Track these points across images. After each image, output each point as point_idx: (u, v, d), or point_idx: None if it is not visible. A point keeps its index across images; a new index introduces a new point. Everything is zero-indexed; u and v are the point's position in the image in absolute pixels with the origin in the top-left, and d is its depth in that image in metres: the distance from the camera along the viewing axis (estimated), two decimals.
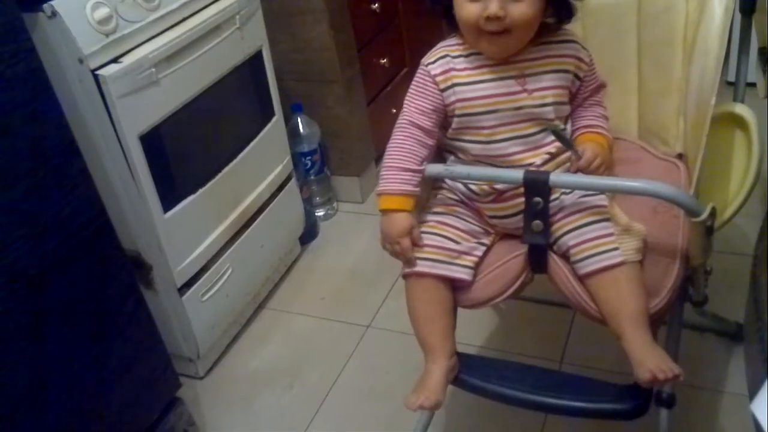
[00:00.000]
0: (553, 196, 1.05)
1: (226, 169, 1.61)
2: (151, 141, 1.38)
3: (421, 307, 1.09)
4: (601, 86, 1.17)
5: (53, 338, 1.11)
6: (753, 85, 1.34)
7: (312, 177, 2.06)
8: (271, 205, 1.78)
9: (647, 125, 1.30)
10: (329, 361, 1.63)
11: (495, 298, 1.08)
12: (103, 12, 1.26)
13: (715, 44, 1.11)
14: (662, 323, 1.08)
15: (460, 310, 1.16)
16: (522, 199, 1.02)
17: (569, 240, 1.04)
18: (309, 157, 2.03)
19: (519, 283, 1.08)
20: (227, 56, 1.57)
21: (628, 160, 1.22)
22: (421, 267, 1.07)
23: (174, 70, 1.40)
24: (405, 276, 1.10)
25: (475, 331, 1.61)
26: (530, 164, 1.08)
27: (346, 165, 2.14)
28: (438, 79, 1.09)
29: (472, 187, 1.11)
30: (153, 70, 1.34)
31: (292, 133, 1.96)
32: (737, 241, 1.68)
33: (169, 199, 1.45)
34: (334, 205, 2.17)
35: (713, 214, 0.95)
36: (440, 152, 1.18)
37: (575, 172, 1.09)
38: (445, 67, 1.10)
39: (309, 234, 2.03)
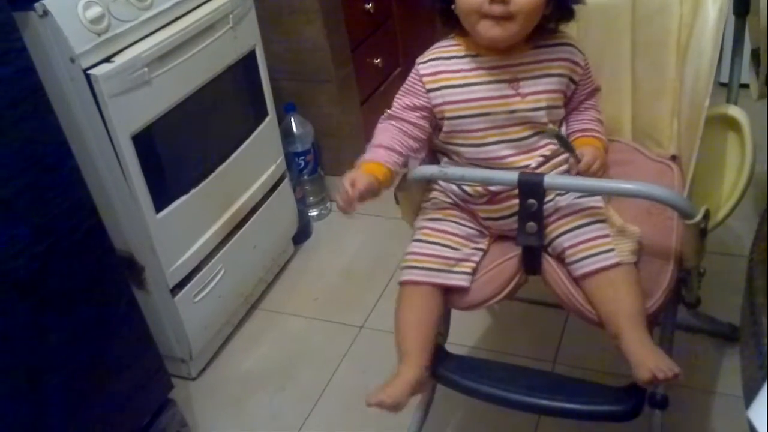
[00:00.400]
0: (547, 198, 1.05)
1: (219, 169, 1.60)
2: (144, 141, 1.37)
3: (410, 312, 1.08)
4: (597, 90, 1.17)
5: (45, 340, 1.10)
6: (746, 86, 1.35)
7: (305, 177, 2.05)
8: (264, 206, 1.78)
9: (641, 126, 1.30)
10: (322, 361, 1.63)
11: (490, 300, 1.08)
12: (95, 11, 1.25)
13: (708, 46, 1.11)
14: (656, 324, 1.08)
15: (453, 311, 1.16)
16: (516, 201, 1.02)
17: (565, 241, 1.04)
18: (302, 157, 2.02)
19: (513, 285, 1.08)
20: (220, 56, 1.56)
21: (622, 161, 1.22)
22: (419, 276, 1.07)
23: (167, 70, 1.39)
24: (401, 283, 1.10)
25: (468, 332, 1.60)
26: (525, 167, 1.08)
27: (340, 165, 2.13)
28: (426, 79, 1.09)
29: (466, 188, 1.11)
30: (145, 69, 1.33)
31: (286, 133, 1.95)
32: (730, 243, 1.68)
33: (161, 200, 1.44)
34: (328, 205, 2.16)
35: (707, 216, 0.95)
36: (434, 154, 1.18)
37: (575, 175, 1.09)
38: (437, 69, 1.09)
39: (302, 234, 2.02)
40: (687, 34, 1.19)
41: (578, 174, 1.08)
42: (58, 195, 1.10)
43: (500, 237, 1.14)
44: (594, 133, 1.14)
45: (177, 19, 1.43)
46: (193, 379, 1.64)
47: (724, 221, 1.08)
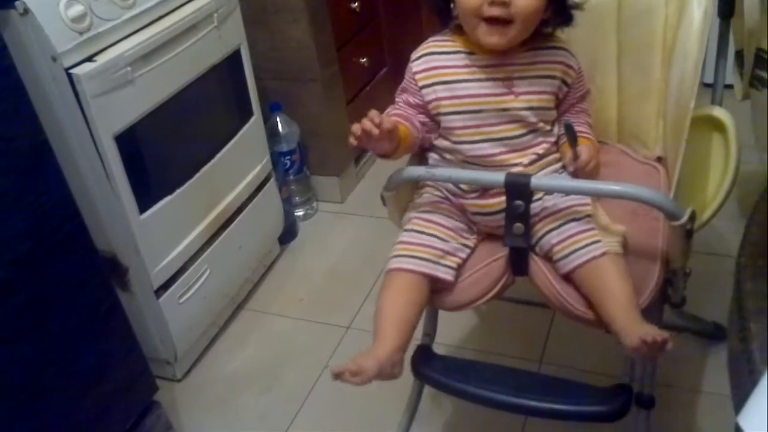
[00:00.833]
0: (535, 197, 1.05)
1: (204, 169, 1.59)
2: (127, 141, 1.35)
3: (393, 296, 1.05)
4: (587, 93, 1.18)
5: (26, 342, 1.09)
6: (731, 87, 1.35)
7: (291, 177, 2.04)
8: (249, 206, 1.77)
9: (627, 128, 1.30)
10: (309, 362, 1.62)
11: (476, 301, 1.08)
12: (77, 9, 1.23)
13: (694, 48, 1.11)
14: None
15: (440, 311, 1.16)
16: (505, 197, 1.02)
17: (552, 238, 1.04)
18: (288, 157, 2.01)
19: (500, 286, 1.08)
20: (205, 55, 1.55)
21: (608, 163, 1.22)
22: (407, 264, 1.06)
23: (150, 69, 1.37)
24: (389, 271, 1.08)
25: (454, 331, 1.60)
26: (517, 164, 1.08)
27: (326, 164, 2.12)
28: (418, 76, 1.09)
29: None
30: (128, 69, 1.32)
31: (271, 133, 1.94)
32: (714, 242, 1.70)
33: (145, 200, 1.43)
34: (314, 204, 2.15)
35: (693, 217, 0.95)
36: (422, 153, 1.17)
37: (573, 171, 1.09)
38: (429, 65, 1.09)
39: (288, 234, 2.01)
40: (672, 36, 1.19)
41: (576, 170, 1.09)
42: (39, 196, 1.09)
43: (488, 236, 1.14)
44: (586, 136, 1.15)
45: (160, 18, 1.41)
46: (179, 380, 1.62)
47: (709, 222, 1.09)
